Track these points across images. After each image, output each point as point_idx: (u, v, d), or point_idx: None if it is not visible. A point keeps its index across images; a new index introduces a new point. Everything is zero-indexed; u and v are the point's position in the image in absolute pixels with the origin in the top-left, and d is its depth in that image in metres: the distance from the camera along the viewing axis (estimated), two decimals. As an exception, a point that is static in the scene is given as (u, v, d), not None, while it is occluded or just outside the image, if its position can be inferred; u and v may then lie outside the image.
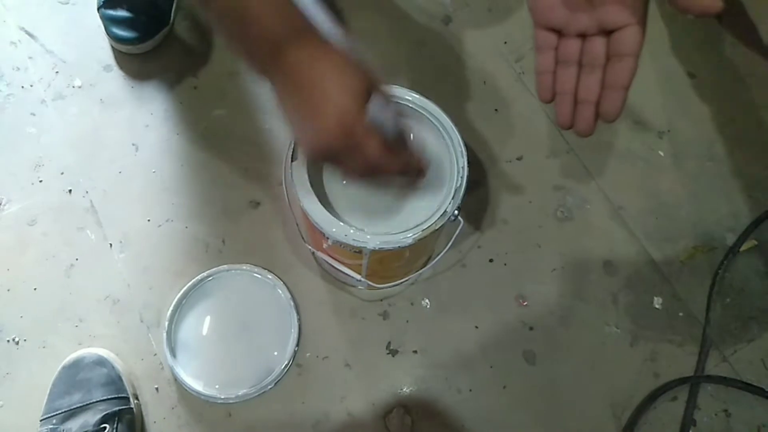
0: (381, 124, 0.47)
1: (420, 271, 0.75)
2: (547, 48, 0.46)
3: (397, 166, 0.50)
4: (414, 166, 0.53)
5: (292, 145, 0.58)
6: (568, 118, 0.46)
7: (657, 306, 0.79)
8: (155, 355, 0.74)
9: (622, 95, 0.43)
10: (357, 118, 0.45)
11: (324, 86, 0.45)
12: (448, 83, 0.90)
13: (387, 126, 0.48)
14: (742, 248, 0.82)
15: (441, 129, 0.60)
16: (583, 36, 0.45)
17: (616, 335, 0.77)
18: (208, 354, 0.73)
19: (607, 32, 0.43)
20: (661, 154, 0.88)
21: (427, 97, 0.61)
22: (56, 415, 0.66)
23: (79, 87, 0.87)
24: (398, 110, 0.52)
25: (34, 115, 0.85)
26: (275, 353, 0.73)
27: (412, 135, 0.56)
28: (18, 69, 0.88)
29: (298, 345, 0.74)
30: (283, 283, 0.76)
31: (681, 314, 0.79)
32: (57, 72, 0.87)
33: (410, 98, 0.61)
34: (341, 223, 0.56)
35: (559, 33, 0.46)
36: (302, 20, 0.46)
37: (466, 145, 0.59)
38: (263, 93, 0.87)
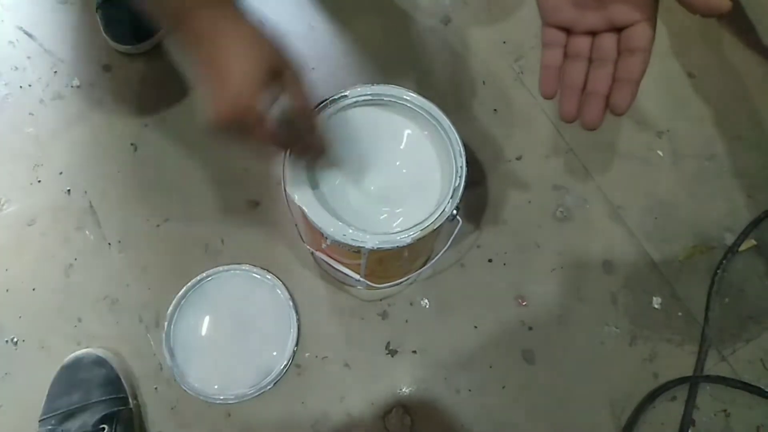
0: (275, 108, 0.48)
1: (419, 271, 0.75)
2: (555, 45, 0.46)
3: (290, 145, 0.53)
4: (313, 147, 0.55)
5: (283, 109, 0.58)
6: (573, 110, 0.45)
7: (656, 306, 0.79)
8: (154, 355, 0.74)
9: (634, 88, 0.42)
10: (249, 96, 0.45)
11: (227, 64, 0.45)
12: (447, 83, 0.90)
13: (282, 111, 0.48)
14: (741, 248, 0.82)
15: (439, 128, 0.60)
16: (592, 33, 0.45)
17: (615, 335, 0.77)
18: (207, 354, 0.73)
19: (617, 29, 0.43)
20: (660, 153, 0.88)
21: (425, 97, 0.61)
22: (55, 415, 0.66)
23: (78, 87, 0.87)
24: (301, 91, 0.51)
25: (32, 115, 0.85)
26: (274, 353, 0.73)
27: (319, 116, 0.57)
28: (16, 69, 0.87)
29: (297, 345, 0.74)
30: (282, 283, 0.76)
31: (680, 314, 0.79)
32: (55, 72, 0.87)
33: (408, 98, 0.60)
34: (340, 223, 0.56)
35: (568, 31, 0.45)
36: None
37: (464, 144, 0.59)
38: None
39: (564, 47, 0.46)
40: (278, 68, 0.47)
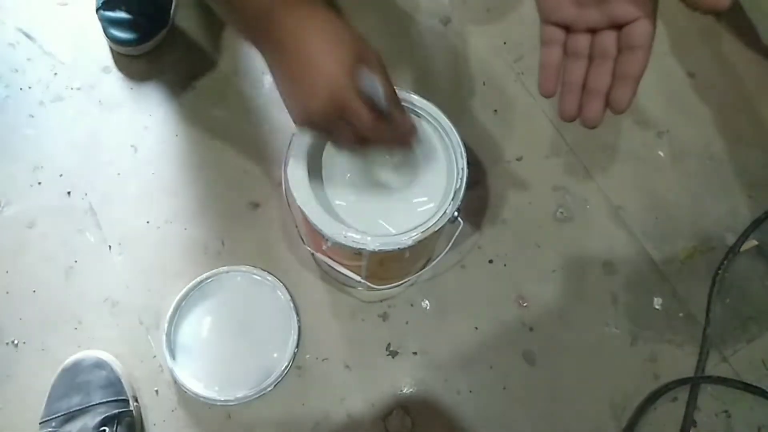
0: (371, 93, 0.48)
1: (420, 273, 0.75)
2: (554, 43, 0.46)
3: (387, 135, 0.51)
4: (404, 133, 0.54)
5: (291, 145, 0.58)
6: (573, 109, 0.45)
7: (657, 306, 0.79)
8: (155, 357, 0.74)
9: (633, 86, 0.42)
10: (347, 87, 0.46)
11: (314, 55, 0.46)
12: (447, 84, 0.90)
13: (377, 95, 0.48)
14: (742, 248, 0.82)
15: (440, 130, 0.60)
16: (592, 31, 0.44)
17: (615, 336, 0.77)
18: (208, 356, 0.73)
19: (618, 26, 0.43)
20: (661, 153, 0.87)
21: (426, 98, 0.61)
22: (55, 417, 0.66)
23: (78, 89, 0.87)
24: (387, 78, 0.51)
25: (32, 116, 0.85)
26: (275, 355, 0.73)
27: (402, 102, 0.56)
28: (16, 71, 0.87)
29: (297, 346, 0.74)
30: (283, 284, 0.76)
31: (681, 314, 0.79)
32: (55, 73, 0.87)
33: (409, 99, 0.60)
34: (341, 225, 0.56)
35: (567, 29, 0.45)
36: None
37: (465, 145, 0.59)
38: (262, 94, 0.87)
39: (563, 45, 0.46)
40: (364, 57, 0.48)
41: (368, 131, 0.49)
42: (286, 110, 0.51)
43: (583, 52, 0.45)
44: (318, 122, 0.49)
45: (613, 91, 0.43)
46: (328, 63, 0.46)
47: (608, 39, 0.43)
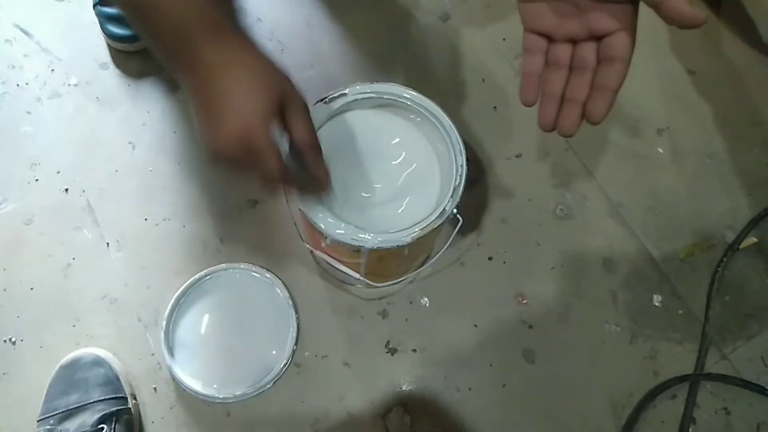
0: (284, 141, 0.46)
1: (419, 270, 0.75)
2: (536, 51, 0.46)
3: (296, 184, 0.50)
4: (315, 183, 0.52)
5: (288, 144, 0.58)
6: (552, 119, 0.45)
7: (656, 304, 0.79)
8: (153, 354, 0.73)
9: (611, 97, 0.43)
10: (258, 130, 0.44)
11: (231, 94, 0.43)
12: (446, 80, 0.90)
13: (281, 148, 0.46)
14: (742, 246, 0.81)
15: (439, 127, 0.59)
16: (573, 41, 0.45)
17: (615, 333, 0.77)
18: (207, 353, 0.73)
19: (597, 38, 0.43)
20: (661, 151, 0.87)
21: (424, 95, 0.60)
22: (54, 415, 0.66)
23: (75, 85, 0.86)
24: (306, 121, 0.49)
25: (29, 113, 0.84)
26: (274, 352, 0.73)
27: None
28: (13, 67, 0.87)
29: (296, 344, 0.74)
30: (282, 282, 0.76)
31: (680, 312, 0.79)
32: (53, 70, 0.87)
33: (408, 96, 0.60)
34: (339, 222, 0.55)
35: (549, 38, 0.46)
36: (216, 15, 0.44)
37: (464, 142, 0.59)
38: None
39: (545, 54, 0.46)
40: (284, 98, 0.46)
41: (274, 178, 0.47)
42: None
43: (564, 63, 0.45)
44: (225, 162, 0.46)
45: (590, 102, 0.44)
46: (242, 103, 0.43)
47: (588, 50, 0.44)
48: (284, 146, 0.49)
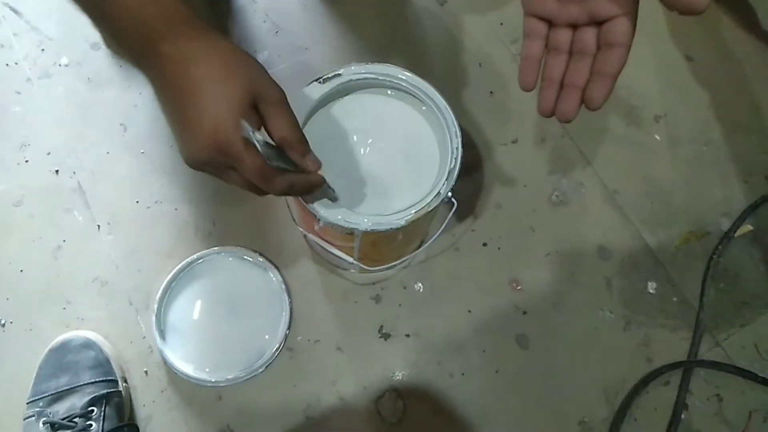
0: (252, 142, 0.41)
1: (413, 254, 0.74)
2: (537, 36, 0.45)
3: (279, 186, 0.45)
4: (300, 185, 0.48)
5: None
6: (551, 104, 0.45)
7: (651, 291, 0.79)
8: (144, 338, 0.73)
9: (610, 83, 0.42)
10: (232, 130, 0.40)
11: (200, 93, 0.40)
12: (443, 65, 0.89)
13: (258, 144, 0.41)
14: (737, 233, 0.81)
15: (435, 109, 0.59)
16: (574, 26, 0.44)
17: (609, 320, 0.77)
18: (198, 337, 0.72)
19: (598, 23, 0.42)
20: (657, 138, 0.87)
21: (420, 77, 0.59)
22: (43, 397, 0.65)
23: (66, 65, 0.85)
24: (287, 117, 0.45)
25: (19, 93, 0.83)
26: (266, 336, 0.73)
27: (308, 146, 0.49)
28: (2, 46, 0.85)
29: (289, 328, 0.73)
30: (274, 266, 0.75)
31: (675, 299, 0.78)
32: (43, 50, 0.85)
33: (403, 77, 0.59)
34: (332, 204, 0.55)
35: (550, 22, 0.45)
36: (181, 9, 0.41)
37: (460, 126, 0.58)
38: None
39: (545, 39, 0.45)
40: (259, 93, 0.43)
41: (256, 180, 0.43)
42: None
43: (564, 48, 0.45)
44: (202, 166, 0.43)
45: (589, 88, 0.43)
46: (214, 102, 0.40)
47: (589, 35, 0.43)
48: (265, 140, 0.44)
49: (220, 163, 0.43)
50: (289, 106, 0.46)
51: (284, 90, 0.46)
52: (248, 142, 0.41)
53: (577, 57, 0.44)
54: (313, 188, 0.50)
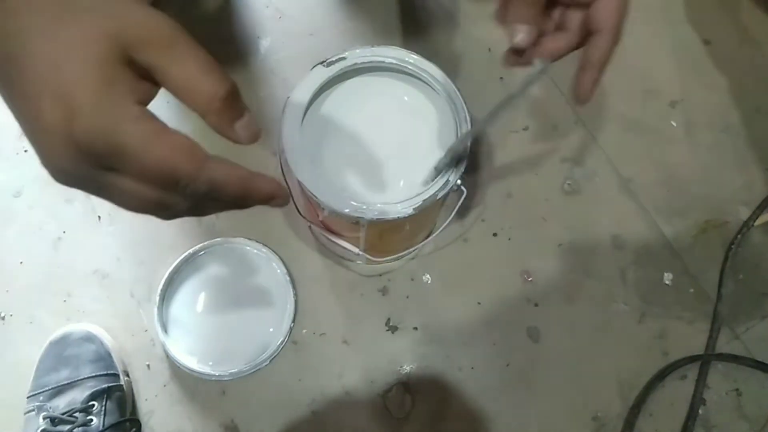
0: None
1: (421, 245, 0.72)
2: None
3: (188, 202, 0.30)
4: (234, 185, 0.31)
5: (286, 112, 0.55)
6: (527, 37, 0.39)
7: (667, 282, 0.76)
8: (146, 331, 0.71)
9: (596, 74, 0.38)
10: (99, 111, 0.25)
11: (29, 57, 0.25)
12: (452, 50, 0.86)
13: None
14: (757, 222, 0.79)
15: (444, 94, 0.56)
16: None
17: (624, 312, 0.75)
18: (201, 330, 0.71)
19: (586, 5, 0.38)
20: (674, 124, 0.84)
21: (428, 59, 0.57)
22: (43, 392, 0.64)
23: (65, 53, 0.83)
24: (200, 66, 0.28)
25: (18, 82, 0.81)
26: (270, 329, 0.71)
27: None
28: None
29: (294, 321, 0.72)
30: (279, 257, 0.74)
31: (692, 290, 0.76)
32: (42, 37, 0.84)
33: (411, 60, 0.57)
34: (338, 193, 0.53)
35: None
36: None
37: (469, 112, 0.56)
38: (256, 60, 0.83)
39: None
40: (132, 35, 0.26)
41: (163, 174, 0.27)
42: None
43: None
44: (72, 183, 0.28)
45: (575, 81, 0.39)
46: (52, 67, 0.25)
47: (574, 17, 0.39)
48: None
49: (98, 168, 0.27)
50: (195, 44, 0.28)
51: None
52: (143, 114, 0.27)
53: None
54: (260, 195, 0.32)
